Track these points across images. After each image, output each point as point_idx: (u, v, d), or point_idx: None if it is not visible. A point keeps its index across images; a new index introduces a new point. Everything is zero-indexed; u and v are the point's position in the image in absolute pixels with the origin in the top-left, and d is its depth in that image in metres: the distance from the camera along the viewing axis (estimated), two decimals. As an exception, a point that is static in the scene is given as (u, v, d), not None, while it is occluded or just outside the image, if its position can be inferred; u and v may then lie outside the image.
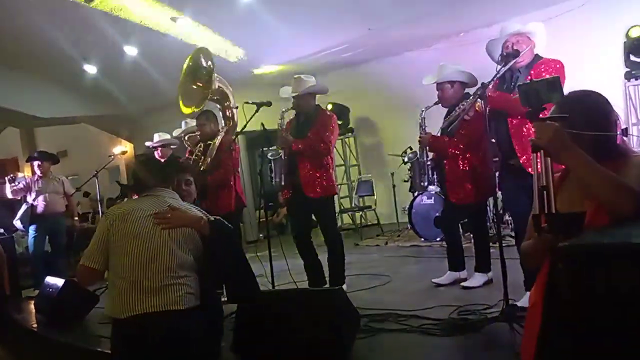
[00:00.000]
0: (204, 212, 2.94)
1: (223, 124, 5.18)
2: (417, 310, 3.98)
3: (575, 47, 7.14)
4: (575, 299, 1.61)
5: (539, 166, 1.88)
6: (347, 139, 10.18)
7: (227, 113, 5.08)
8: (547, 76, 3.55)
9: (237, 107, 5.09)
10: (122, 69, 8.93)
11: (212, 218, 2.91)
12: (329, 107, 9.05)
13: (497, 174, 4.91)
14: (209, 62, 4.84)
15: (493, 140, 3.91)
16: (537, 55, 3.81)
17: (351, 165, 10.35)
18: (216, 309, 3.02)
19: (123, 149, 13.56)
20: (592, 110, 2.00)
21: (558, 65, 3.69)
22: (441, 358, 3.24)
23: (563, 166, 2.07)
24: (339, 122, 9.63)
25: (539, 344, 1.87)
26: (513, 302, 3.56)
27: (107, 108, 11.55)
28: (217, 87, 4.91)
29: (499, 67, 3.66)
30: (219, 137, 5.15)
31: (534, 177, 1.89)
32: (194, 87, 4.90)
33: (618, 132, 2.06)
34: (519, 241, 3.63)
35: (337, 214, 9.26)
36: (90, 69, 9.48)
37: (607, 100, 2.05)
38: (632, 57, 6.30)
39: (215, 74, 4.84)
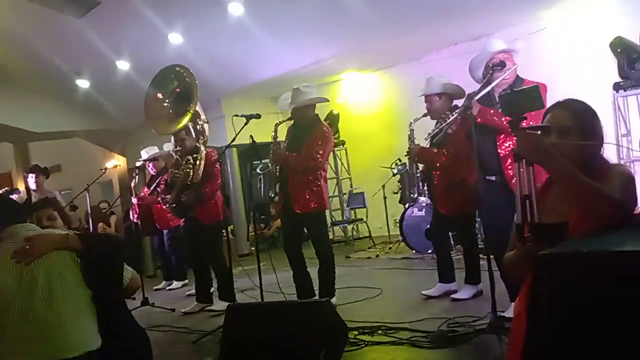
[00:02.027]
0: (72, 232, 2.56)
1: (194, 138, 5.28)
2: (407, 323, 3.97)
3: (564, 58, 7.22)
4: (557, 308, 1.62)
5: (520, 175, 1.89)
6: (338, 152, 10.20)
7: (198, 127, 5.18)
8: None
9: (207, 122, 5.22)
10: (114, 84, 8.93)
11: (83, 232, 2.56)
12: (335, 112, 9.14)
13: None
14: (194, 85, 4.98)
15: None
16: (518, 76, 3.84)
17: (342, 177, 10.36)
18: (133, 337, 2.66)
19: (116, 162, 13.57)
20: (580, 118, 2.01)
21: (543, 88, 3.72)
22: (430, 370, 3.23)
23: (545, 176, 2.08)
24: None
25: (524, 354, 1.87)
26: (501, 313, 3.55)
27: (100, 122, 11.55)
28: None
29: (484, 81, 3.69)
30: (203, 151, 5.20)
31: (517, 187, 1.90)
32: (178, 105, 5.03)
33: (603, 142, 2.07)
34: (494, 254, 3.63)
35: (329, 227, 9.31)
36: (83, 83, 9.50)
37: (593, 110, 2.07)
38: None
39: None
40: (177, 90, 5.17)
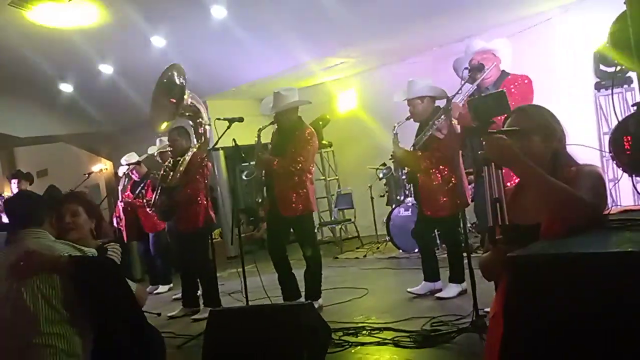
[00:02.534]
0: (81, 247, 2.51)
1: (195, 141, 5.21)
2: (391, 323, 4.01)
3: (546, 59, 7.27)
4: (526, 308, 1.64)
5: (489, 179, 1.92)
6: (325, 153, 10.22)
7: (200, 130, 5.11)
8: (514, 91, 3.64)
9: (209, 124, 5.11)
10: (98, 88, 8.88)
11: (81, 254, 2.47)
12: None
13: (471, 186, 5.00)
14: (182, 79, 4.88)
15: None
16: (503, 71, 3.88)
17: (330, 178, 10.37)
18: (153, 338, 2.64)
19: (102, 166, 13.49)
20: (539, 122, 2.05)
21: (526, 81, 3.77)
22: (412, 370, 3.25)
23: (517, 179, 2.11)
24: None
25: (501, 354, 1.89)
26: (483, 312, 3.58)
27: (86, 126, 11.47)
28: (189, 103, 4.94)
29: (463, 82, 3.72)
30: (190, 153, 5.18)
31: (486, 190, 1.93)
32: (167, 103, 4.93)
33: (565, 144, 2.10)
34: None
35: (317, 228, 9.32)
36: (67, 87, 9.44)
37: (552, 114, 2.11)
38: (602, 67, 6.40)
39: (188, 91, 4.88)
40: (182, 83, 5.00)
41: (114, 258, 2.77)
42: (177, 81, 4.93)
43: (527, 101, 3.43)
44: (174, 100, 4.94)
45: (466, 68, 3.73)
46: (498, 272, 1.96)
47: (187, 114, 5.05)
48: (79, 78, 8.94)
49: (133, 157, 7.16)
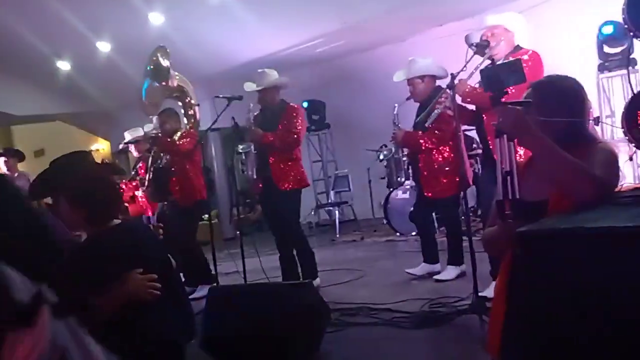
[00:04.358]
0: None
1: (185, 122, 5.18)
2: (389, 304, 3.97)
3: (550, 38, 7.18)
4: (534, 285, 1.60)
5: (502, 151, 1.86)
6: (323, 135, 10.14)
7: (189, 111, 5.09)
8: (525, 65, 3.56)
9: (198, 105, 5.11)
10: (95, 66, 8.78)
11: None
12: (305, 104, 9.01)
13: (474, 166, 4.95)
14: (167, 61, 4.86)
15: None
16: (517, 46, 3.78)
17: (328, 160, 10.31)
18: None
19: (100, 146, 13.39)
20: (567, 93, 1.98)
21: (536, 56, 3.68)
22: (411, 350, 3.23)
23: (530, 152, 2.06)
24: (315, 118, 9.68)
25: (504, 332, 1.86)
26: (482, 293, 3.56)
27: (83, 105, 11.37)
28: (176, 85, 4.92)
29: (469, 58, 3.65)
30: (179, 133, 5.13)
31: (497, 163, 1.87)
32: (155, 87, 4.92)
33: (590, 119, 2.04)
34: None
35: (313, 210, 9.28)
36: (64, 65, 9.32)
37: (582, 86, 2.04)
38: (606, 49, 6.34)
39: (176, 73, 4.86)
40: (168, 66, 5.00)
41: None
42: (163, 64, 4.91)
43: (539, 76, 3.36)
44: (164, 83, 4.94)
45: (472, 44, 3.65)
46: (503, 247, 1.91)
47: (174, 95, 5.03)
48: (76, 56, 8.84)
49: (138, 132, 6.95)
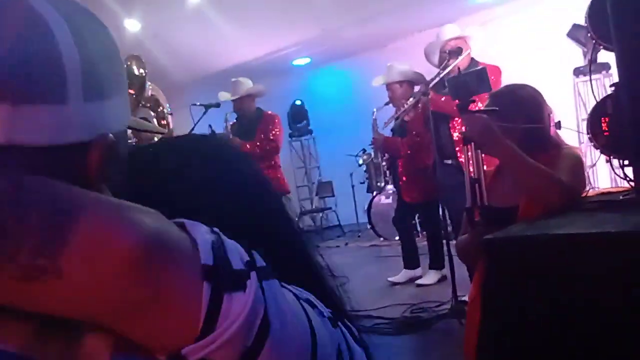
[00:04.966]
0: None
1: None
2: (371, 310, 3.97)
3: (523, 44, 7.27)
4: (504, 291, 1.61)
5: (469, 159, 1.88)
6: (306, 141, 10.14)
7: (162, 121, 5.08)
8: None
9: (171, 113, 5.11)
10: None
11: None
12: (287, 111, 9.03)
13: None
14: (141, 70, 4.84)
15: None
16: (473, 59, 3.87)
17: (311, 167, 10.31)
18: None
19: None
20: (525, 101, 2.01)
21: (496, 70, 3.75)
22: (392, 356, 3.22)
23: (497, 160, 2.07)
24: (298, 124, 9.67)
25: (480, 338, 1.86)
26: (462, 298, 3.57)
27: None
28: (149, 94, 4.90)
29: (442, 67, 3.70)
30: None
31: (465, 170, 1.89)
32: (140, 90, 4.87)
33: (551, 125, 2.06)
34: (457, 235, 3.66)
35: (297, 216, 9.26)
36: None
37: (539, 93, 2.06)
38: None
39: (148, 82, 4.84)
40: (142, 74, 5.00)
41: None
42: (136, 72, 4.90)
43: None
44: (133, 92, 4.90)
45: (444, 52, 3.70)
46: (475, 255, 1.92)
47: (147, 104, 5.01)
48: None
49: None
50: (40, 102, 0.54)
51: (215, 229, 0.56)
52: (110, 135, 0.60)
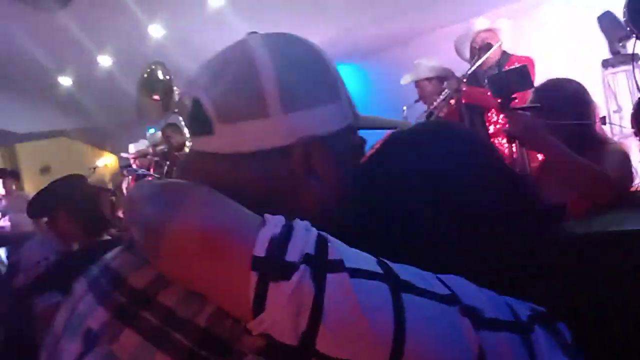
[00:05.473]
0: None
1: (188, 136, 5.16)
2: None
3: (553, 37, 7.14)
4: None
5: (515, 155, 1.83)
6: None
7: None
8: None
9: None
10: (97, 80, 8.76)
11: None
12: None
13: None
14: (167, 76, 4.82)
15: None
16: (505, 52, 3.83)
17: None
18: None
19: (107, 161, 13.34)
20: (572, 97, 1.96)
21: (531, 63, 3.70)
22: None
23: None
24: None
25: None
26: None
27: (87, 120, 11.35)
28: (177, 99, 4.88)
29: (474, 61, 3.65)
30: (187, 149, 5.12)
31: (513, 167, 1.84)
32: (150, 101, 4.89)
33: (597, 121, 2.02)
34: None
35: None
36: (65, 80, 9.31)
37: (584, 87, 2.02)
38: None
39: (175, 87, 4.83)
40: (167, 78, 5.00)
41: None
42: (161, 77, 4.88)
43: None
44: (158, 97, 4.90)
45: (474, 46, 3.66)
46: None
47: (176, 110, 5.01)
48: (77, 71, 8.83)
49: (143, 144, 6.86)
50: (249, 118, 0.72)
51: (291, 223, 0.64)
52: (313, 137, 0.76)
